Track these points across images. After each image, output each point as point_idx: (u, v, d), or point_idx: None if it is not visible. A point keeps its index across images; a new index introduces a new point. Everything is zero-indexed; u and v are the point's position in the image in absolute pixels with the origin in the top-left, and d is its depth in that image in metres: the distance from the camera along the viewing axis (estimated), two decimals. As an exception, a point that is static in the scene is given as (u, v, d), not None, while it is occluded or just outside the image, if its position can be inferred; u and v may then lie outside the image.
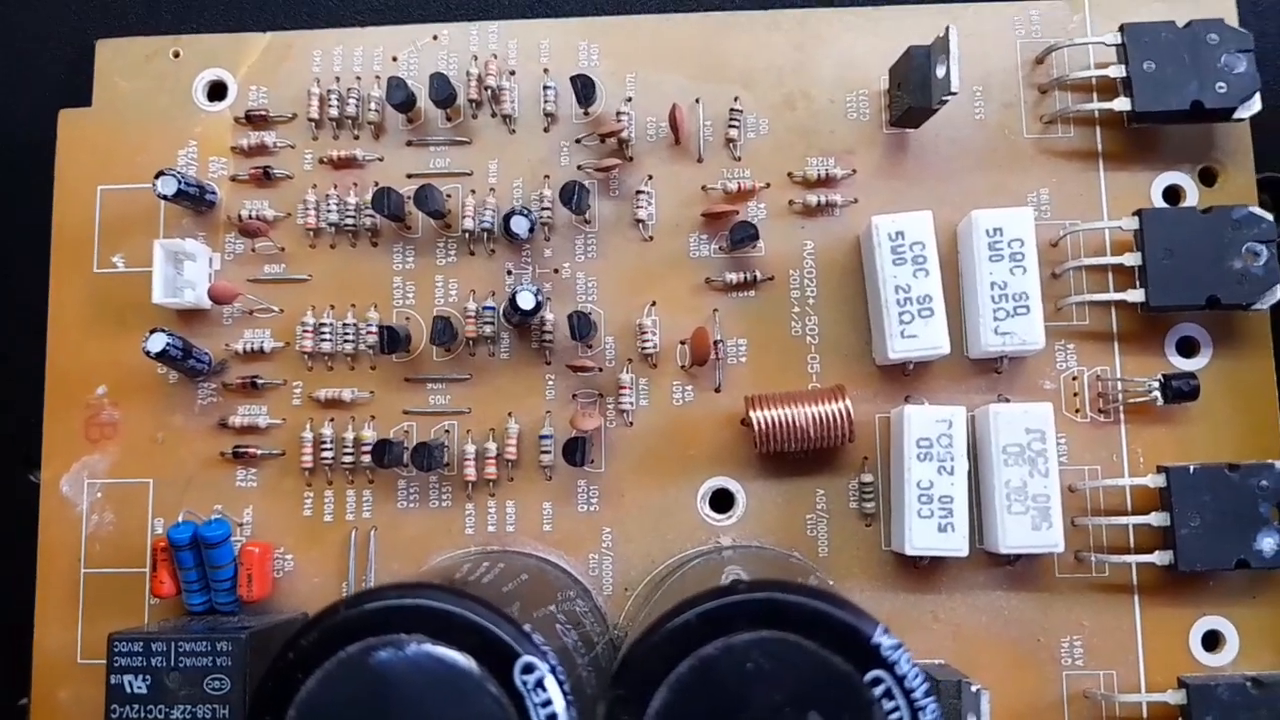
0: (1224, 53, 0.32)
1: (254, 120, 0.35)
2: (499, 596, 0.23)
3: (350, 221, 0.34)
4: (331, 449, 0.33)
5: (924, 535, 0.30)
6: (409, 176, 0.34)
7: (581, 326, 0.32)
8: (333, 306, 0.34)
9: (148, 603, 0.33)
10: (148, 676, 0.27)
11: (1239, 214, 0.31)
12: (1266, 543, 0.30)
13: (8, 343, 0.36)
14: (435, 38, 0.35)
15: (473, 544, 0.33)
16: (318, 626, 0.21)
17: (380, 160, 0.34)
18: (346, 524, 0.33)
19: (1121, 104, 0.32)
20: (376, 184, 0.33)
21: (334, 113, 0.34)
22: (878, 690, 0.20)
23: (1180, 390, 0.31)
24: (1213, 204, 0.32)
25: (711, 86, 0.34)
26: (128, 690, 0.27)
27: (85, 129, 0.35)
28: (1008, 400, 0.32)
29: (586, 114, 0.34)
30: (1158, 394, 0.31)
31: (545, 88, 0.34)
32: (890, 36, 0.34)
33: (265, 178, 0.34)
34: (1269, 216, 0.31)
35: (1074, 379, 0.33)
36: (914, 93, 0.31)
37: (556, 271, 0.34)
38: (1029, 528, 0.30)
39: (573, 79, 0.33)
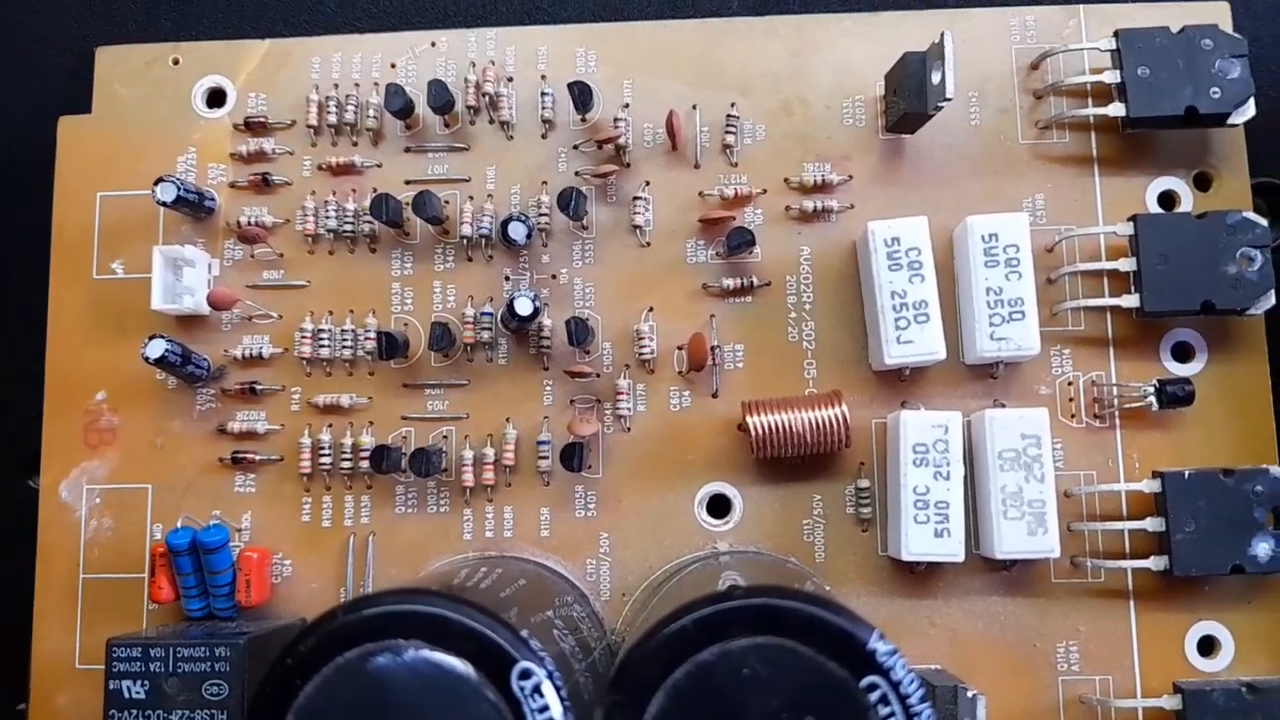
0: (1218, 58, 0.32)
1: (253, 127, 0.35)
2: (496, 602, 0.23)
3: (349, 228, 0.34)
4: (330, 454, 0.33)
5: (920, 540, 0.30)
6: (407, 183, 0.34)
7: (579, 332, 0.32)
8: (331, 312, 0.34)
9: (146, 608, 0.33)
10: (146, 682, 0.27)
11: (1233, 219, 0.31)
12: (1261, 548, 0.30)
13: (7, 348, 0.36)
14: (433, 44, 0.35)
15: (471, 549, 0.33)
16: (316, 632, 0.21)
17: (379, 166, 0.35)
18: (345, 529, 0.33)
19: (1116, 109, 0.32)
20: (375, 190, 0.34)
21: (333, 119, 0.34)
22: (873, 696, 0.20)
23: (1175, 395, 0.31)
24: (1207, 209, 0.32)
25: (708, 93, 0.34)
26: (126, 695, 0.27)
27: (85, 136, 0.35)
28: (1003, 405, 0.32)
29: (584, 120, 0.34)
30: (1153, 399, 0.31)
31: (543, 94, 0.34)
32: (886, 43, 0.34)
33: (264, 184, 0.34)
34: (1263, 221, 0.31)
35: (1069, 384, 0.33)
36: (910, 99, 0.31)
37: (554, 277, 0.34)
38: (1025, 533, 0.30)
39: (570, 86, 0.33)
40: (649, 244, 0.34)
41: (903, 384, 0.33)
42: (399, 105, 0.33)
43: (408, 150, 0.35)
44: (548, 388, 0.33)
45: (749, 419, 0.31)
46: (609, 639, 0.31)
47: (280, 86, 0.35)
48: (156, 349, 0.31)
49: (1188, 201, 0.33)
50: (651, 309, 0.34)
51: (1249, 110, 0.32)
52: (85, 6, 0.38)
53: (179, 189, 0.33)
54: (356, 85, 0.35)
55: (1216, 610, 0.32)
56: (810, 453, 0.32)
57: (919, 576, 0.32)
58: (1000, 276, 0.31)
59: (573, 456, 0.32)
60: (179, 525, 0.33)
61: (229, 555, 0.32)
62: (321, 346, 0.33)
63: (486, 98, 0.34)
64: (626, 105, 0.34)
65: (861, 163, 0.34)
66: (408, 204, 0.33)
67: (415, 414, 0.33)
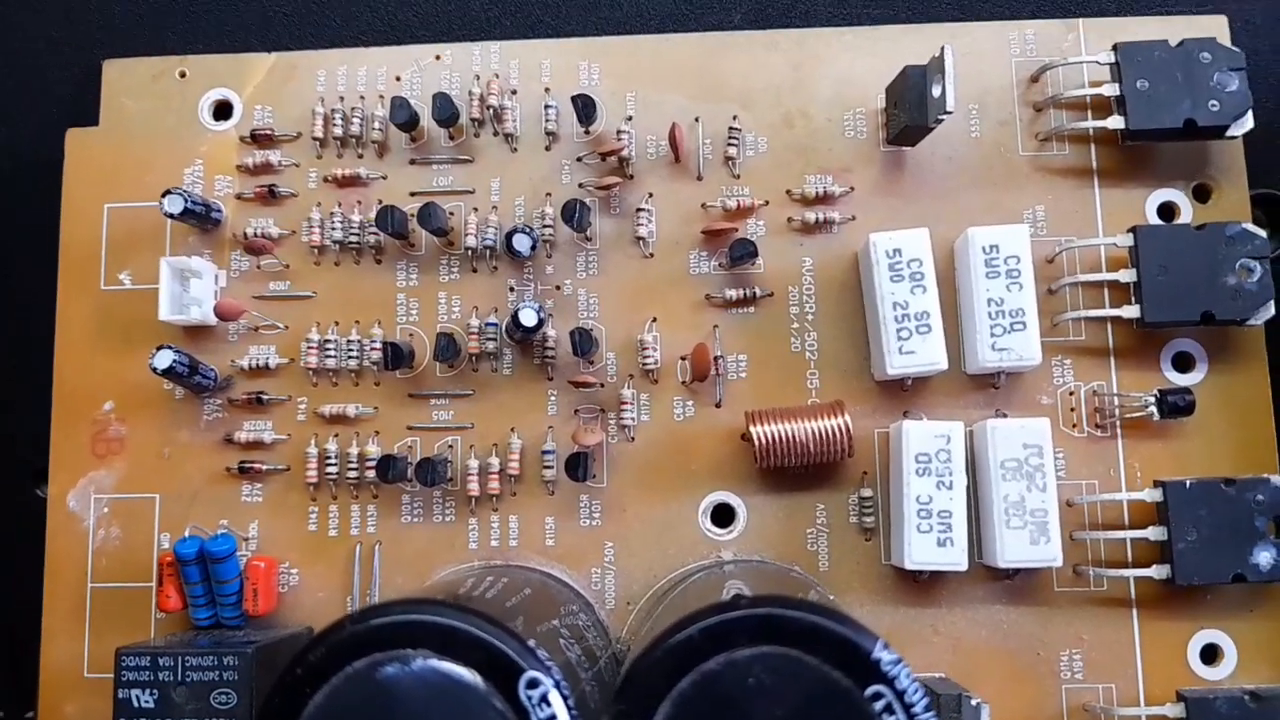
0: (1216, 71, 0.32)
1: (259, 139, 0.35)
2: (502, 611, 0.23)
3: (354, 239, 0.34)
4: (336, 464, 0.33)
5: (923, 550, 0.30)
6: (412, 194, 0.35)
7: (583, 343, 0.32)
8: (337, 323, 0.34)
9: (154, 617, 0.33)
10: (155, 691, 0.28)
11: (1232, 230, 0.32)
12: (1263, 556, 0.30)
13: (15, 358, 0.37)
14: (438, 58, 0.36)
15: (476, 559, 0.33)
16: (324, 642, 0.21)
17: (384, 178, 0.35)
18: (351, 539, 0.33)
19: (1116, 122, 0.33)
20: (380, 202, 0.34)
21: (338, 132, 0.35)
22: (878, 705, 0.20)
23: (1176, 405, 0.32)
24: (1207, 220, 0.32)
25: (711, 105, 0.35)
26: (135, 704, 0.28)
27: (92, 148, 0.35)
28: (1005, 415, 0.32)
29: (587, 133, 0.35)
30: (1154, 409, 0.32)
31: (547, 107, 0.35)
32: (887, 56, 0.34)
33: (270, 196, 0.35)
34: (1262, 233, 0.32)
35: (1071, 394, 0.33)
36: (910, 111, 0.32)
37: (558, 288, 0.34)
38: (1027, 542, 0.30)
39: (574, 98, 0.33)
40: (652, 255, 0.34)
41: (905, 394, 0.33)
42: (404, 118, 0.34)
43: (413, 162, 0.35)
44: (552, 398, 0.34)
45: (752, 429, 0.32)
46: (614, 648, 0.31)
47: (286, 99, 0.35)
48: (164, 360, 0.31)
49: (1187, 213, 0.34)
50: (655, 319, 0.34)
51: (1247, 123, 0.32)
52: (92, 20, 0.38)
53: (186, 201, 0.33)
54: (362, 98, 0.35)
55: (1219, 619, 0.32)
56: (813, 462, 0.32)
57: (922, 585, 0.32)
58: (1001, 287, 0.31)
59: (577, 466, 0.32)
60: (187, 535, 0.33)
61: (236, 564, 0.32)
62: (328, 357, 0.34)
63: (491, 110, 0.35)
64: (629, 118, 0.35)
65: (863, 175, 0.34)
66: (413, 216, 0.33)
67: (421, 424, 0.34)
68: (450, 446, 0.33)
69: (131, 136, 0.35)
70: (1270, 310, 0.31)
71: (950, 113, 0.30)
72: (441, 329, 0.34)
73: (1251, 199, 0.34)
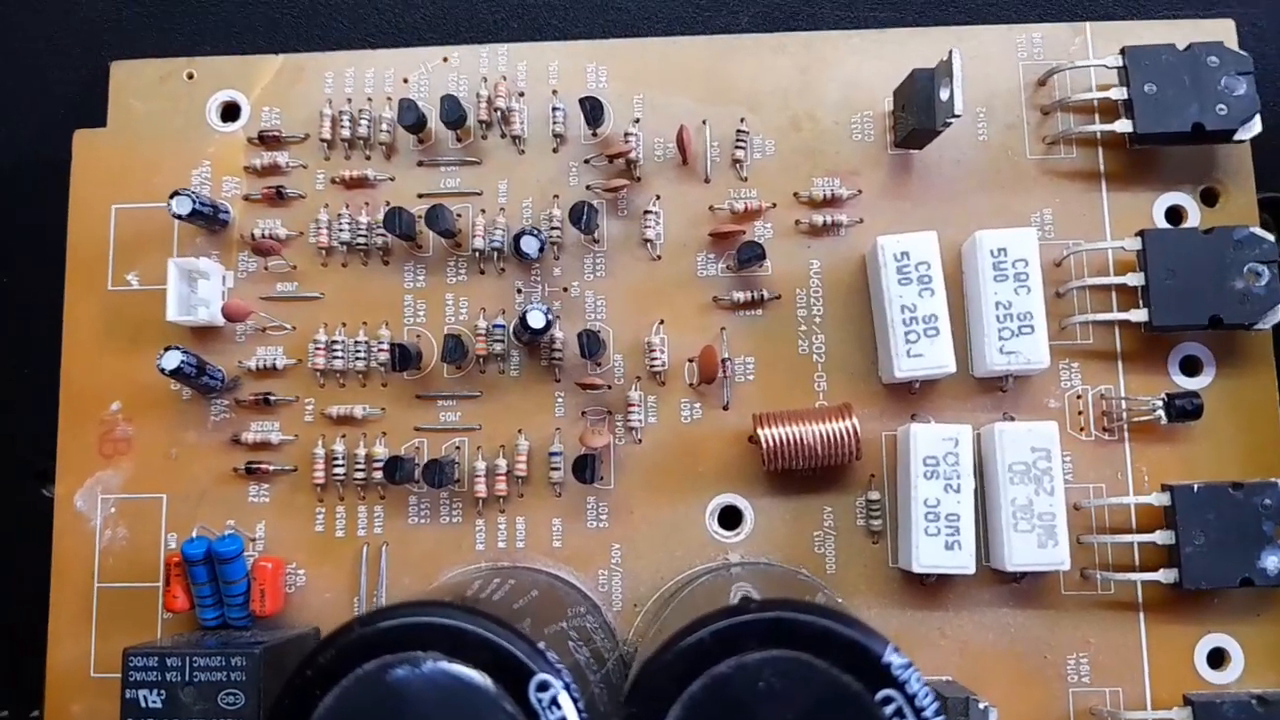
0: (1224, 75, 0.32)
1: (267, 141, 0.35)
2: (511, 613, 0.23)
3: (362, 240, 0.34)
4: (343, 465, 0.33)
5: (931, 553, 0.30)
6: (420, 196, 0.35)
7: (591, 345, 0.32)
8: (345, 324, 0.34)
9: (160, 617, 0.33)
10: (163, 691, 0.28)
11: (1240, 235, 0.32)
12: (1271, 561, 0.30)
13: (23, 358, 0.37)
14: (445, 60, 0.36)
15: (483, 560, 0.33)
16: (334, 644, 0.21)
17: (391, 180, 0.35)
18: (358, 540, 0.33)
19: (1123, 126, 0.33)
20: (388, 204, 0.34)
21: (346, 133, 0.35)
22: (889, 709, 0.20)
23: (1184, 409, 0.32)
24: (1214, 224, 0.32)
25: (718, 108, 0.35)
26: (143, 705, 0.28)
27: (100, 149, 0.35)
28: (1013, 419, 0.32)
29: (595, 135, 0.35)
30: (1161, 413, 0.32)
31: (554, 109, 0.35)
32: (894, 59, 0.34)
33: (278, 197, 0.35)
34: (1270, 237, 0.32)
35: (1078, 398, 0.33)
36: (918, 115, 0.32)
37: (566, 290, 0.34)
38: (1035, 545, 0.30)
39: (581, 101, 0.33)
40: (660, 257, 0.34)
41: (912, 397, 0.33)
42: (412, 120, 0.34)
43: (420, 164, 0.35)
44: (559, 400, 0.34)
45: (760, 431, 0.32)
46: (621, 649, 0.31)
47: (294, 101, 0.35)
48: (172, 360, 0.32)
49: (1195, 217, 0.34)
50: (662, 322, 0.34)
51: (1255, 126, 0.32)
52: (100, 22, 0.38)
53: (194, 202, 0.33)
54: (369, 100, 0.35)
55: (1226, 623, 0.32)
56: (821, 465, 0.32)
57: (929, 588, 0.32)
58: (1009, 291, 0.31)
59: (585, 468, 0.32)
60: (194, 535, 0.33)
61: (244, 565, 0.32)
62: (335, 358, 0.34)
63: (498, 112, 0.35)
64: (637, 120, 0.35)
65: (870, 178, 0.34)
66: (420, 217, 0.33)
67: (428, 425, 0.34)
68: (458, 448, 0.33)
69: (139, 138, 0.35)
70: (1278, 314, 0.31)
71: (959, 116, 0.30)
72: (449, 330, 0.34)
73: (1259, 203, 0.34)
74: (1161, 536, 0.31)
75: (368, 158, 0.35)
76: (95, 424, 0.34)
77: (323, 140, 0.35)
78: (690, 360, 0.34)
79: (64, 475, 0.34)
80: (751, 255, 0.33)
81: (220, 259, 0.35)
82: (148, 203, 0.35)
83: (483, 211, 0.34)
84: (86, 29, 0.38)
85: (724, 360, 0.33)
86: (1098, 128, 0.33)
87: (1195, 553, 0.30)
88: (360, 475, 0.33)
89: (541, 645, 0.21)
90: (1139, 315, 0.32)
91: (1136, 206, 0.34)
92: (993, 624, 0.32)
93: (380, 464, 0.33)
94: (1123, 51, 0.33)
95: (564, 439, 0.33)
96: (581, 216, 0.32)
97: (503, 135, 0.35)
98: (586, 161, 0.35)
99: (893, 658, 0.20)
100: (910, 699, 0.20)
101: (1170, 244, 0.32)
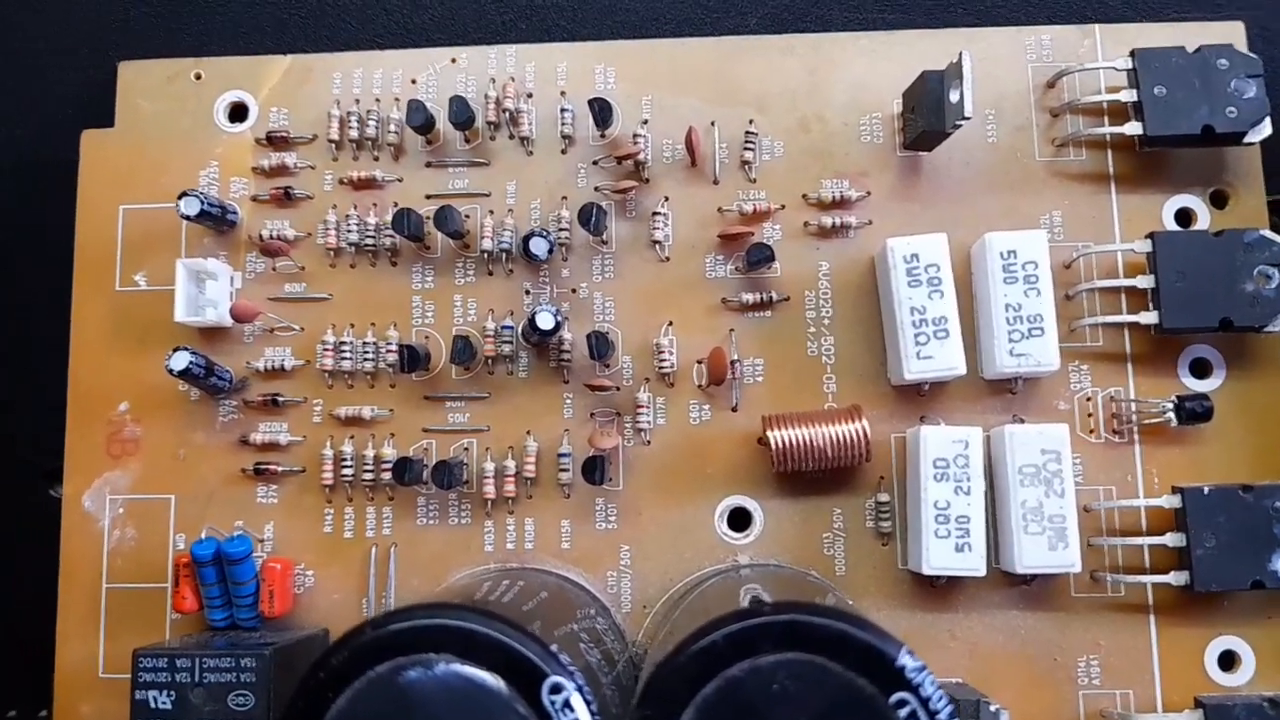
0: (1234, 78, 0.32)
1: (275, 141, 0.35)
2: (521, 615, 0.23)
3: (370, 241, 0.34)
4: (352, 466, 0.33)
5: (941, 555, 0.30)
6: (428, 197, 0.35)
7: (599, 346, 0.32)
8: (353, 325, 0.34)
9: (169, 618, 0.33)
10: (172, 692, 0.28)
11: (1250, 237, 0.32)
12: (1281, 563, 0.30)
13: (31, 359, 0.37)
14: (454, 61, 0.36)
15: (492, 561, 0.33)
16: (346, 646, 0.21)
17: (400, 181, 0.35)
18: (366, 541, 0.33)
19: (1133, 128, 0.33)
20: (396, 205, 0.34)
21: (354, 134, 0.35)
22: (903, 712, 0.20)
23: (1194, 411, 0.31)
24: (1224, 227, 0.32)
25: (727, 109, 0.35)
26: (152, 706, 0.28)
27: (108, 149, 0.35)
28: (1023, 421, 0.32)
29: (603, 136, 0.35)
30: (1171, 415, 0.32)
31: (563, 110, 0.35)
32: (903, 61, 0.34)
33: (286, 198, 0.35)
34: (1280, 239, 0.32)
35: (1088, 400, 0.33)
36: (928, 116, 0.32)
37: (574, 291, 0.34)
38: (1045, 548, 0.30)
39: (590, 102, 0.33)
40: (668, 259, 0.34)
41: (922, 399, 0.33)
42: (420, 121, 0.34)
43: (429, 165, 0.35)
44: (568, 401, 0.34)
45: (769, 433, 0.32)
46: (631, 651, 0.31)
47: (302, 102, 0.35)
48: (181, 361, 0.31)
49: (1204, 219, 0.34)
50: (671, 323, 0.34)
51: (1265, 129, 0.32)
52: (108, 21, 0.38)
53: (202, 203, 0.33)
54: (378, 101, 0.35)
55: (1237, 625, 0.32)
56: (830, 467, 0.32)
57: (939, 590, 0.32)
58: (1019, 293, 0.31)
59: (593, 469, 0.32)
60: (203, 536, 0.33)
61: (253, 566, 0.32)
62: (343, 359, 0.34)
63: (507, 113, 0.35)
64: (645, 121, 0.35)
65: (879, 179, 0.34)
66: (429, 218, 0.33)
67: (436, 426, 0.34)
68: (466, 449, 0.33)
69: (147, 138, 0.35)
70: (1288, 317, 0.31)
71: (968, 118, 0.30)
72: (457, 332, 0.34)
73: (1269, 205, 0.34)
74: (1172, 539, 0.31)
75: (376, 159, 0.35)
76: (103, 424, 0.34)
77: (331, 141, 0.35)
78: (699, 362, 0.33)
79: (72, 476, 0.34)
80: (760, 257, 0.33)
81: (228, 260, 0.35)
82: (156, 203, 0.35)
83: (491, 212, 0.34)
84: (94, 29, 0.38)
85: (733, 362, 0.33)
86: (1107, 130, 0.33)
87: (1206, 555, 0.30)
88: (369, 476, 0.33)
89: (554, 647, 0.21)
90: (1149, 317, 0.32)
91: (1146, 209, 0.34)
92: (1003, 626, 0.32)
93: (389, 465, 0.33)
94: (1132, 54, 0.33)
95: (573, 440, 0.33)
96: (590, 218, 0.32)
97: (511, 136, 0.35)
98: (595, 163, 0.35)
99: (907, 660, 0.20)
100: (924, 702, 0.20)
101: (1180, 246, 0.32)
